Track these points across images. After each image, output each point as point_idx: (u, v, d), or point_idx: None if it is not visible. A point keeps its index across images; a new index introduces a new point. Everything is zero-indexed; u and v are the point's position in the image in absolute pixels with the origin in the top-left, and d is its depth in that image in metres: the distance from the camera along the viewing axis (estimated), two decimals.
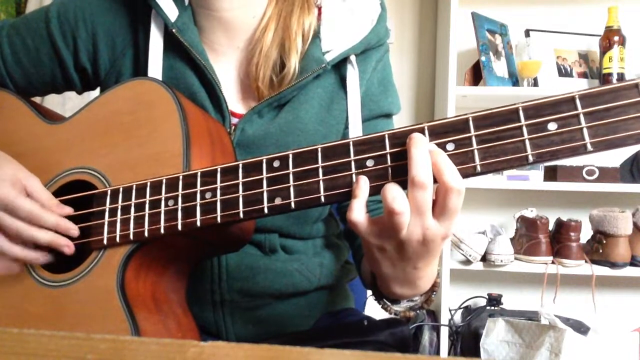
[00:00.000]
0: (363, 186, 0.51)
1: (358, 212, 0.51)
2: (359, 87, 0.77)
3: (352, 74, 0.77)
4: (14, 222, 0.65)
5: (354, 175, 0.52)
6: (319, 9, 0.77)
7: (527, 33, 2.15)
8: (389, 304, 0.64)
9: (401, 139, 0.51)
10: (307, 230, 0.80)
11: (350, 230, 0.85)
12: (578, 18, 2.18)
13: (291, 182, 0.55)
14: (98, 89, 0.83)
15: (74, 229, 0.66)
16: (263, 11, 0.76)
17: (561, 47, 2.15)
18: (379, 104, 0.81)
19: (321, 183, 0.53)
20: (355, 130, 0.76)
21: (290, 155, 0.55)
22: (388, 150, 0.51)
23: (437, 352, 1.91)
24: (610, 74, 1.98)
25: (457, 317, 2.06)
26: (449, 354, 1.96)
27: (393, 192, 0.49)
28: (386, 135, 0.52)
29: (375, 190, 0.51)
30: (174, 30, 0.73)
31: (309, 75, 0.73)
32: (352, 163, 0.53)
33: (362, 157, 0.52)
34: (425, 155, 0.48)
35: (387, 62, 0.83)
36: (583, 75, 2.14)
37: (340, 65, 0.77)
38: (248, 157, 0.72)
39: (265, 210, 0.55)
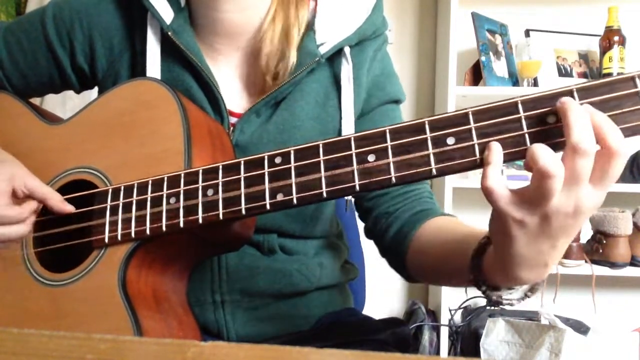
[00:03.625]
0: (497, 151, 0.48)
1: (494, 179, 0.47)
2: (352, 81, 0.76)
3: (346, 68, 0.76)
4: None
5: (355, 171, 0.53)
6: (315, 0, 0.77)
7: (527, 33, 2.15)
8: (489, 290, 0.56)
9: (401, 134, 0.52)
10: (306, 229, 0.80)
11: (377, 218, 0.79)
12: (578, 18, 2.18)
13: (293, 178, 0.55)
14: (96, 88, 0.83)
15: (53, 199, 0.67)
16: (267, 9, 0.75)
17: (561, 47, 2.15)
18: (385, 91, 0.81)
19: (323, 178, 0.54)
20: (348, 126, 0.76)
21: (292, 152, 0.55)
22: (389, 143, 0.52)
23: (437, 352, 1.91)
24: (610, 74, 1.98)
25: (457, 317, 2.06)
26: (449, 354, 1.96)
27: (545, 152, 0.45)
28: (387, 131, 0.52)
29: (377, 186, 0.51)
30: (169, 33, 0.73)
31: (304, 69, 0.73)
32: (354, 157, 0.53)
33: (363, 151, 0.53)
34: (586, 118, 0.44)
35: (386, 52, 0.83)
36: (583, 75, 2.14)
37: (334, 59, 0.77)
38: (247, 156, 0.72)
39: (268, 207, 0.56)
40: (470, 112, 0.50)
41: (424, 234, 0.71)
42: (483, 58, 1.98)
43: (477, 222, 0.62)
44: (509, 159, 0.49)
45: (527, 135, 0.48)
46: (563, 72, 2.13)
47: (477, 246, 0.57)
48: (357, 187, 0.53)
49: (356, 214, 0.86)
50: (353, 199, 0.83)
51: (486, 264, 0.55)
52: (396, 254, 0.75)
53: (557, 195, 0.46)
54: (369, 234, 0.83)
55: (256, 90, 0.76)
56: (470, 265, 0.57)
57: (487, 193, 0.48)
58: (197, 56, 0.74)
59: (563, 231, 0.48)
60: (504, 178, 0.47)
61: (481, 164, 0.49)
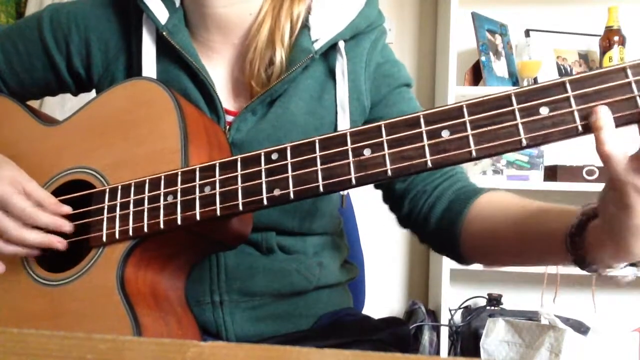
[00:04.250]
0: (604, 114, 0.45)
1: (612, 144, 0.44)
2: (347, 75, 0.76)
3: (340, 62, 0.76)
4: (5, 220, 0.65)
5: (351, 164, 0.53)
6: None
7: (527, 33, 2.15)
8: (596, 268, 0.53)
9: (397, 128, 0.52)
10: (304, 224, 0.79)
11: (419, 211, 0.74)
12: (578, 18, 2.18)
13: (289, 173, 0.55)
14: (94, 91, 0.83)
15: (66, 226, 0.66)
16: (259, 7, 0.75)
17: (561, 47, 2.15)
18: (394, 77, 0.80)
19: (319, 172, 0.54)
20: (343, 120, 0.76)
21: (288, 148, 0.56)
22: (385, 137, 0.53)
23: (437, 352, 1.91)
24: None
25: (457, 317, 2.06)
26: (449, 354, 1.96)
27: None
28: (382, 125, 0.53)
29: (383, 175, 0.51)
30: (164, 33, 0.74)
31: (298, 66, 0.73)
32: (350, 152, 0.54)
33: (359, 145, 0.53)
34: None
35: (386, 44, 0.83)
36: None
37: (329, 54, 0.76)
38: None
39: (265, 202, 0.56)
40: (464, 105, 0.51)
41: (482, 213, 0.68)
42: (483, 58, 1.98)
43: None
44: (504, 150, 0.49)
45: (520, 126, 0.49)
46: (563, 72, 2.13)
47: (576, 223, 0.53)
48: (354, 181, 0.53)
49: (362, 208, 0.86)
50: (380, 191, 0.81)
51: (590, 240, 0.52)
52: (447, 235, 0.71)
53: None
54: (405, 220, 0.78)
55: (252, 89, 0.77)
56: (568, 242, 0.54)
57: (604, 159, 0.45)
58: (192, 55, 0.74)
59: None
60: (621, 142, 0.45)
61: (477, 156, 0.50)
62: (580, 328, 1.81)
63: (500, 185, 1.97)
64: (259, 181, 0.56)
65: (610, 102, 0.47)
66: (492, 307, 2.01)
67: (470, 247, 0.70)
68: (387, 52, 0.82)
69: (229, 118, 0.76)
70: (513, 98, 0.49)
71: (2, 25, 0.85)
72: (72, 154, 0.70)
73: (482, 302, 2.08)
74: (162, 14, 0.75)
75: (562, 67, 2.14)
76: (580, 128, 0.47)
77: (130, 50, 0.78)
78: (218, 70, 0.78)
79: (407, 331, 0.85)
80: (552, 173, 1.97)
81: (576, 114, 0.47)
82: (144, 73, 0.75)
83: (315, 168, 0.54)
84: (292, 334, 0.78)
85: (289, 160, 0.56)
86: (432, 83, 2.28)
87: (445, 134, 0.51)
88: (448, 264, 1.93)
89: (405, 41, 2.28)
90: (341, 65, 0.76)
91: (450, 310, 2.02)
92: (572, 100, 0.48)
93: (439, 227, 0.73)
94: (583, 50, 2.17)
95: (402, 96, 0.81)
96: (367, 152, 0.53)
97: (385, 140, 0.52)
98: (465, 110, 0.50)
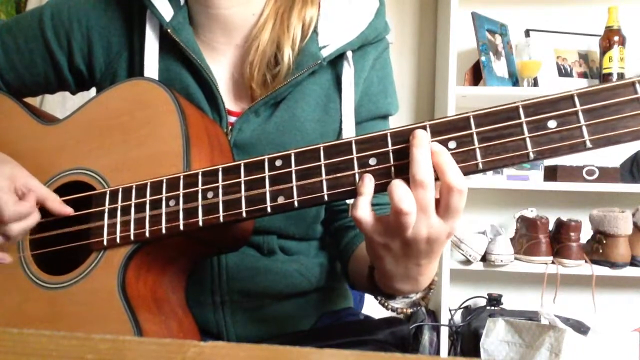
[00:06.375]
0: (368, 184, 0.52)
1: (363, 210, 0.52)
2: (354, 85, 0.76)
3: (348, 71, 0.76)
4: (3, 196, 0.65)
5: (356, 174, 0.53)
6: (319, 2, 0.77)
7: (527, 33, 2.15)
8: (384, 299, 0.65)
9: (403, 137, 0.51)
10: (306, 231, 0.79)
11: (337, 229, 0.82)
12: (578, 18, 2.18)
13: (294, 181, 0.55)
14: (93, 89, 0.83)
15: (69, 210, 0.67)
16: (262, 8, 0.75)
17: (561, 47, 2.15)
18: (377, 105, 0.80)
19: (324, 182, 0.54)
20: (348, 130, 0.76)
21: (293, 154, 0.55)
22: (390, 147, 0.52)
23: (437, 352, 1.91)
24: (610, 74, 1.98)
25: (457, 317, 2.06)
26: (449, 354, 1.96)
27: (400, 191, 0.49)
28: (388, 134, 0.52)
29: (380, 188, 0.52)
30: (168, 30, 0.73)
31: (305, 71, 0.72)
32: (355, 161, 0.53)
33: (364, 155, 0.53)
34: (426, 155, 0.49)
35: (387, 59, 0.82)
36: (583, 75, 2.14)
37: (336, 62, 0.76)
38: (245, 157, 0.72)
39: (269, 210, 0.56)
40: (471, 116, 0.50)
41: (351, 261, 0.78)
42: (483, 58, 1.97)
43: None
44: (511, 163, 0.50)
45: (528, 139, 0.48)
46: (563, 72, 2.13)
47: (367, 272, 0.65)
48: None
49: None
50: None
51: (376, 279, 0.63)
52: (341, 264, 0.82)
53: (411, 228, 0.51)
54: (330, 230, 0.85)
55: (252, 91, 0.76)
56: (366, 281, 0.66)
57: (356, 221, 0.53)
58: (196, 53, 0.73)
59: (422, 254, 0.54)
60: (369, 208, 0.53)
61: (483, 168, 0.50)
62: (580, 328, 1.81)
63: (500, 185, 1.97)
64: (263, 189, 0.56)
65: (618, 118, 0.46)
66: (492, 307, 2.01)
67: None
68: (385, 72, 0.81)
69: (232, 119, 0.75)
70: (521, 110, 0.48)
71: (1, 20, 0.84)
72: (71, 155, 0.69)
73: (482, 302, 2.08)
74: (166, 11, 0.74)
75: (562, 67, 2.14)
76: (588, 143, 0.47)
77: (132, 47, 0.77)
78: (221, 70, 0.77)
79: (407, 331, 0.85)
80: (551, 173, 1.97)
81: (584, 129, 0.47)
82: (146, 70, 0.74)
83: (320, 178, 0.54)
84: (292, 334, 0.78)
85: (293, 167, 0.55)
86: (432, 83, 2.28)
87: (452, 145, 0.50)
88: (448, 264, 1.93)
89: (405, 41, 2.28)
90: (348, 75, 0.76)
91: (450, 310, 2.02)
92: (581, 115, 0.47)
93: (340, 257, 0.83)
94: (583, 50, 2.17)
95: (375, 129, 0.80)
96: (372, 162, 0.52)
97: (391, 151, 0.52)
98: (472, 121, 0.50)
